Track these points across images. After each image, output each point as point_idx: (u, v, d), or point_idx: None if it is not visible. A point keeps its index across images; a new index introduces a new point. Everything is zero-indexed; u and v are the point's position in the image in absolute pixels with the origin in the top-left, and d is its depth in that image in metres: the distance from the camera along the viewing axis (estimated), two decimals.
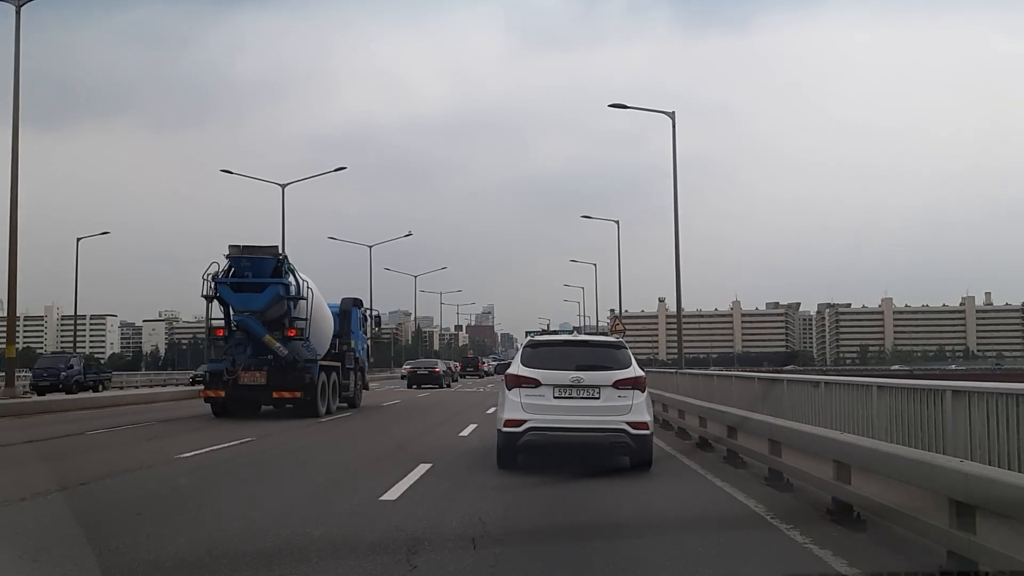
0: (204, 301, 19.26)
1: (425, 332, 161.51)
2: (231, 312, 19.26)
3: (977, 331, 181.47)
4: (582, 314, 73.75)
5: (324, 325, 21.02)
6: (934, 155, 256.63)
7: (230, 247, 19.27)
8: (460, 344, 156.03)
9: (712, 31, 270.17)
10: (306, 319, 19.58)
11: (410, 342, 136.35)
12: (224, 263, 19.20)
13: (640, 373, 9.92)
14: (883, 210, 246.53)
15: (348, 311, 23.25)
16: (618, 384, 9.63)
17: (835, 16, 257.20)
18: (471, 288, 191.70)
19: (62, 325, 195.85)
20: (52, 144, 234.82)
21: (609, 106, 29.07)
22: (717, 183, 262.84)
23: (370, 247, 59.75)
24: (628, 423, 9.48)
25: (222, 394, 18.86)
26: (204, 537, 6.25)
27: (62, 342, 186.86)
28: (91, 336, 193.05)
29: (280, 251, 19.83)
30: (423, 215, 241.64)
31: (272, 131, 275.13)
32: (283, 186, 39.08)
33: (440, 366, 43.88)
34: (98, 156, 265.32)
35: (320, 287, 21.16)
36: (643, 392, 9.77)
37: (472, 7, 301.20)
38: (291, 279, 19.35)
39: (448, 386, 41.23)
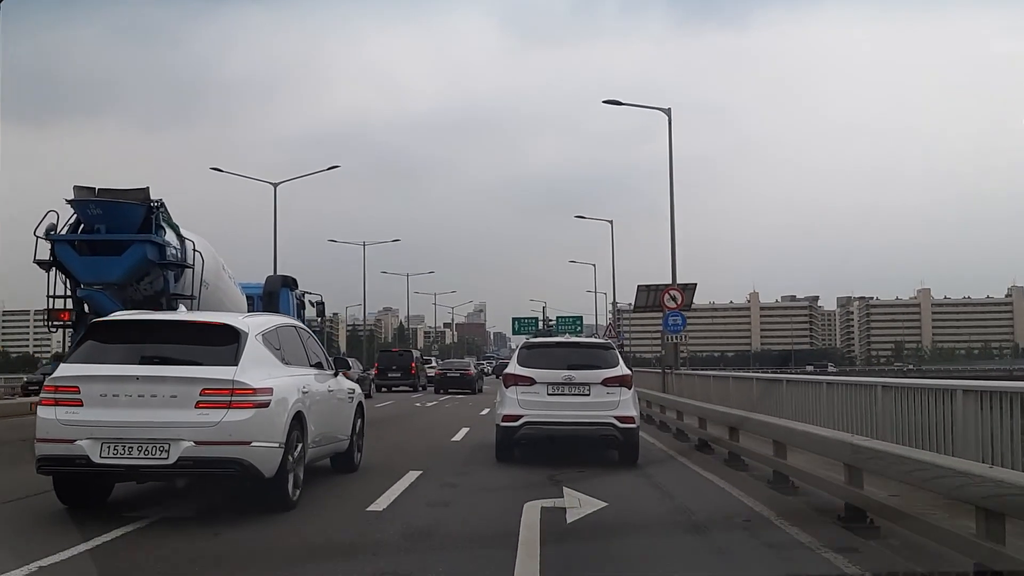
0: (40, 271, 13.85)
1: (409, 330, 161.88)
2: (80, 285, 13.86)
3: None
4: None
5: (225, 307, 16.12)
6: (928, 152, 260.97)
7: (75, 188, 13.98)
8: (447, 343, 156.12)
9: (707, 29, 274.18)
10: (193, 297, 14.71)
11: (390, 339, 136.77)
12: (69, 214, 13.97)
13: (627, 372, 11.49)
14: (882, 204, 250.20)
15: (275, 292, 19.88)
16: (606, 382, 11.15)
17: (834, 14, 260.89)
18: (462, 286, 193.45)
19: (3, 320, 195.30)
20: (37, 141, 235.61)
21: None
22: (714, 181, 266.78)
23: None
24: (616, 418, 10.96)
25: None
26: None
27: (3, 339, 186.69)
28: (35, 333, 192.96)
29: (151, 196, 14.22)
30: (415, 212, 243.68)
31: (263, 129, 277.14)
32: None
33: (473, 367, 41.57)
34: (85, 154, 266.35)
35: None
36: (630, 389, 11.28)
37: (466, 3, 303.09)
38: (168, 236, 14.29)
39: (480, 390, 36.92)
